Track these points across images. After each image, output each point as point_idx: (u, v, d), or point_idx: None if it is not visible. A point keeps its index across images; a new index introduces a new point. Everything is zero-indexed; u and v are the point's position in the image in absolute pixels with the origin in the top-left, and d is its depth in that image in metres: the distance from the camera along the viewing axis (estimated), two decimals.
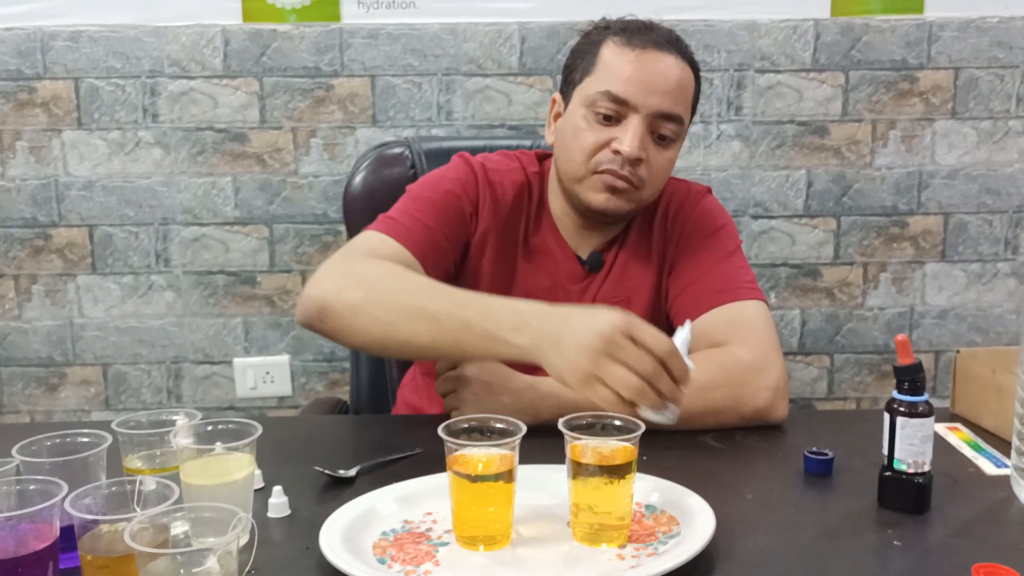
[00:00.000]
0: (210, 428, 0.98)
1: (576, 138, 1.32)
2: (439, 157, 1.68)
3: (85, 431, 0.96)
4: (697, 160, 2.38)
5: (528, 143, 1.75)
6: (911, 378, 1.01)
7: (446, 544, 0.95)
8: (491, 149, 1.55)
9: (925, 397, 1.01)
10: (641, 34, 1.32)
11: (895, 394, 1.02)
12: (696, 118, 2.32)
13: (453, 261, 1.37)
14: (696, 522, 0.95)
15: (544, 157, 1.47)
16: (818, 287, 2.45)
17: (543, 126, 2.37)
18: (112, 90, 2.32)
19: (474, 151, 1.57)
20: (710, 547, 0.90)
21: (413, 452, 1.14)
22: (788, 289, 2.45)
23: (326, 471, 1.11)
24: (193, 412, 1.01)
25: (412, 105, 2.34)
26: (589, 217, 1.38)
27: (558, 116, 1.39)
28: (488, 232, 1.39)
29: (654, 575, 0.85)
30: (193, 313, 2.42)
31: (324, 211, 2.37)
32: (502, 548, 0.94)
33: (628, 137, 1.28)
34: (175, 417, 1.02)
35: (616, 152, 1.29)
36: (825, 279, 2.45)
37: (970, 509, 1.03)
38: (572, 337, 1.02)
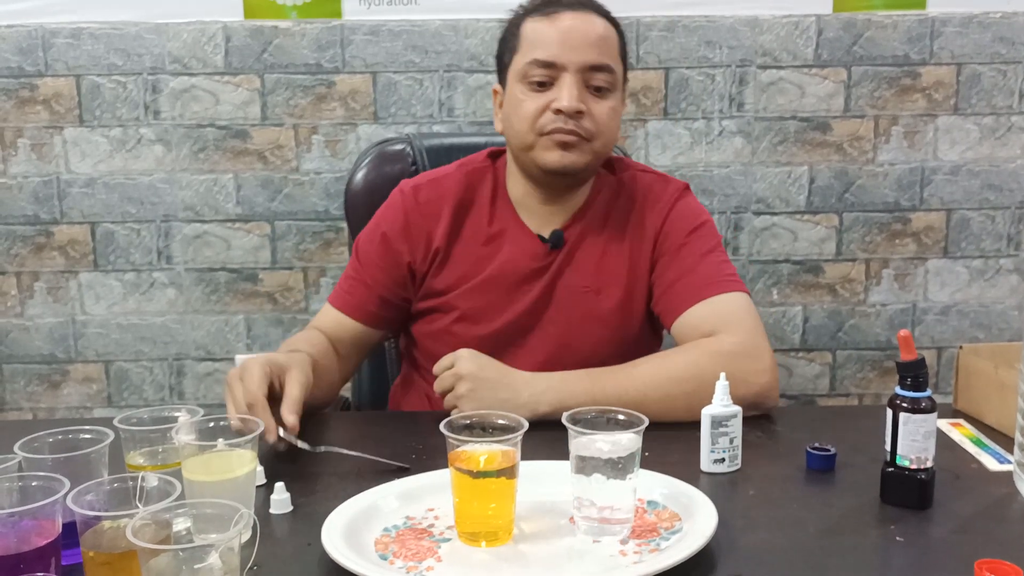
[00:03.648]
0: (212, 425, 0.99)
1: (518, 110, 1.37)
2: (440, 154, 1.68)
3: (87, 428, 0.96)
4: (699, 156, 2.38)
5: None
6: (914, 374, 1.01)
7: (448, 540, 0.95)
8: (492, 145, 1.56)
9: (928, 393, 1.01)
10: (554, 3, 1.38)
11: (898, 390, 1.02)
12: (697, 114, 2.34)
13: (397, 299, 1.47)
14: (698, 518, 0.95)
15: (498, 154, 1.50)
16: (820, 283, 2.45)
17: None
18: (113, 87, 2.32)
19: (475, 147, 1.57)
20: (712, 543, 0.90)
21: (401, 465, 1.13)
22: (790, 286, 2.45)
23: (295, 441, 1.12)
24: (195, 409, 1.02)
25: (414, 102, 2.34)
26: (550, 185, 1.41)
27: (502, 104, 1.43)
28: (439, 242, 1.44)
29: (656, 571, 0.85)
30: (195, 310, 2.42)
31: (326, 208, 2.37)
32: (504, 544, 0.94)
33: (564, 93, 1.33)
34: (177, 414, 1.02)
35: (558, 111, 1.33)
36: (827, 275, 2.45)
37: (973, 505, 1.03)
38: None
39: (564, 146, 1.34)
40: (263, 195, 2.37)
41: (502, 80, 1.43)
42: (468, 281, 1.43)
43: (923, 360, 1.01)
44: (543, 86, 1.35)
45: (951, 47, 2.34)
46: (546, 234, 1.43)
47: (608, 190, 1.47)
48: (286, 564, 0.91)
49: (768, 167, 2.39)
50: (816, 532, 0.97)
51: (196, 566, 0.74)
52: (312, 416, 1.41)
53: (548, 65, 1.34)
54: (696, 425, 1.13)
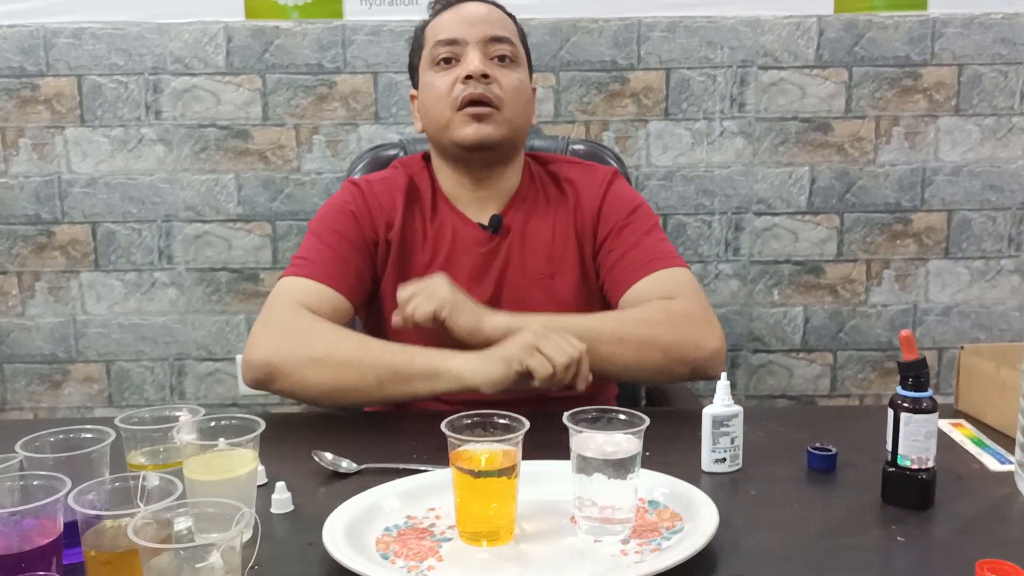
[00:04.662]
0: (213, 424, 0.98)
1: (430, 91, 1.44)
2: None
3: (88, 427, 0.96)
4: (700, 157, 2.38)
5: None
6: (915, 374, 1.01)
7: (449, 540, 0.95)
8: None
9: (929, 393, 1.01)
10: (451, 1, 1.48)
11: (899, 390, 1.02)
12: (699, 114, 2.34)
13: (369, 277, 1.46)
14: (699, 518, 0.95)
15: (430, 157, 1.55)
16: (821, 284, 2.45)
17: (546, 123, 2.38)
18: (115, 87, 2.32)
19: None
20: (713, 543, 0.90)
21: (420, 468, 1.12)
22: (791, 286, 2.45)
23: (328, 466, 1.11)
24: (196, 408, 1.01)
25: None
26: (473, 163, 1.45)
27: (419, 107, 1.50)
28: (387, 230, 1.46)
29: (657, 571, 0.85)
30: (196, 310, 2.42)
31: None
32: (505, 544, 0.94)
33: (470, 61, 1.41)
34: (178, 413, 1.02)
35: (467, 78, 1.40)
36: (828, 276, 2.45)
37: (974, 505, 1.03)
38: (510, 341, 1.23)
39: (478, 118, 1.40)
40: (264, 195, 2.37)
41: (415, 81, 1.51)
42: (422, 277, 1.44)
43: (924, 360, 1.01)
44: (449, 63, 1.43)
45: (952, 48, 2.34)
46: (484, 221, 1.48)
47: (540, 179, 1.53)
48: (287, 563, 0.91)
49: (769, 168, 2.39)
50: (817, 532, 0.97)
51: (197, 565, 0.74)
52: (307, 421, 1.41)
53: (450, 42, 1.42)
54: (697, 425, 1.13)
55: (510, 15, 1.51)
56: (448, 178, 1.50)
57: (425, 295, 1.29)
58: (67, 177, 2.36)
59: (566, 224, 1.50)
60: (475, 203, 1.49)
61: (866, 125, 2.38)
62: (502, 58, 1.44)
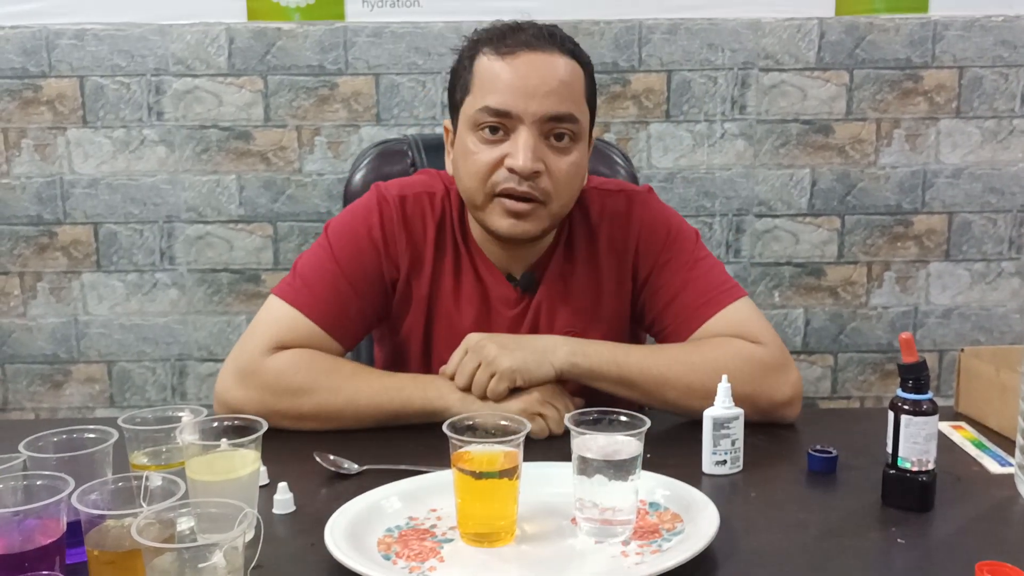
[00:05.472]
0: (215, 425, 0.99)
1: (468, 162, 1.25)
2: (440, 152, 1.66)
3: (91, 427, 0.97)
4: (701, 159, 2.38)
5: None
6: (915, 376, 1.01)
7: (450, 541, 0.95)
8: None
9: (929, 395, 1.01)
10: (512, 36, 1.24)
11: (899, 392, 1.02)
12: (700, 116, 2.35)
13: (374, 316, 1.36)
14: (700, 519, 0.95)
15: None
16: (822, 286, 2.45)
17: None
18: (117, 88, 2.32)
19: None
20: (714, 544, 0.91)
21: (421, 469, 1.12)
22: (792, 288, 2.45)
23: (330, 467, 1.12)
24: (198, 409, 1.02)
25: (416, 103, 2.34)
26: (504, 242, 1.31)
27: (454, 144, 1.33)
28: (412, 266, 1.34)
29: (658, 572, 0.85)
30: (197, 311, 2.43)
31: (328, 209, 2.37)
32: (506, 545, 0.94)
33: (520, 151, 1.21)
34: (181, 414, 1.02)
35: (511, 170, 1.22)
36: (829, 278, 2.45)
37: (974, 507, 1.03)
38: (516, 401, 1.22)
39: (516, 215, 1.24)
40: (265, 196, 2.37)
41: (453, 119, 1.31)
42: (442, 336, 1.35)
43: (924, 363, 1.01)
44: (495, 132, 1.23)
45: (953, 50, 2.34)
46: (515, 273, 1.35)
47: (571, 218, 1.36)
48: (289, 564, 0.92)
49: (770, 170, 2.39)
50: (817, 534, 0.97)
51: (200, 565, 0.75)
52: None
53: (501, 114, 1.22)
54: (698, 427, 1.13)
55: (580, 58, 1.27)
56: (477, 229, 1.34)
57: (487, 373, 1.21)
58: (69, 178, 2.36)
59: (596, 272, 1.36)
60: (505, 253, 1.34)
61: (867, 127, 2.38)
62: (559, 136, 1.24)
